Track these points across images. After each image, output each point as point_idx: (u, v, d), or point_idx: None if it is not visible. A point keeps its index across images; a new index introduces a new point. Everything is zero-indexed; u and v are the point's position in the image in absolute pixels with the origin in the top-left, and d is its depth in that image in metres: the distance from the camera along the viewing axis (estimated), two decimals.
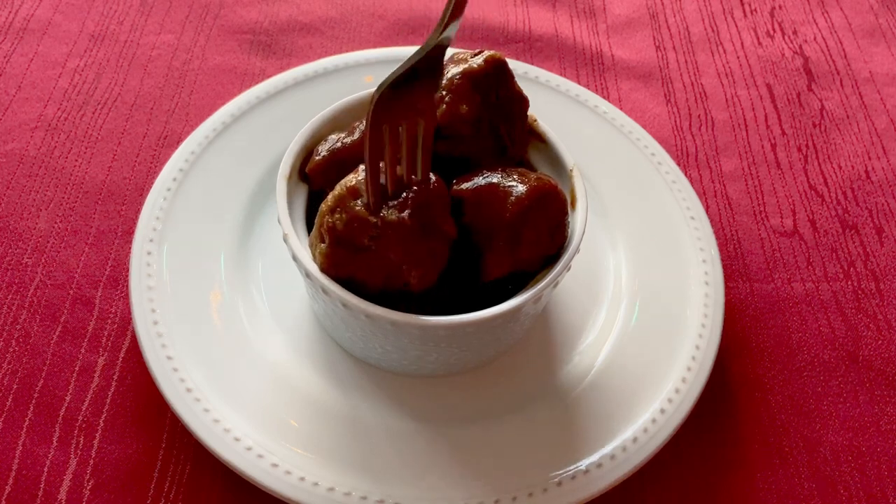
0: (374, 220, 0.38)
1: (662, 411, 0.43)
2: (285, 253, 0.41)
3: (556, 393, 0.45)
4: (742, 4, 0.73)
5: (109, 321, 0.48)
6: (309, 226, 0.42)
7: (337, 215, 0.38)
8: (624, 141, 0.56)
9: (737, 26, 0.71)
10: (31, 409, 0.44)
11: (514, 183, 0.40)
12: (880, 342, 0.51)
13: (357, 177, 0.39)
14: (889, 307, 0.52)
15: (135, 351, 0.47)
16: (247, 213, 0.51)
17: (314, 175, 0.43)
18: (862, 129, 0.63)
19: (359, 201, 0.38)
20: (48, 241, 0.52)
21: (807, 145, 0.62)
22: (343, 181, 0.39)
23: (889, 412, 0.48)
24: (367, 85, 0.55)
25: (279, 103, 0.56)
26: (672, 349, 0.46)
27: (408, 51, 0.60)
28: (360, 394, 0.44)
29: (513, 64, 0.45)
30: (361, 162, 0.40)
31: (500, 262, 0.40)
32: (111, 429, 0.44)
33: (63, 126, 0.58)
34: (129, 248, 0.48)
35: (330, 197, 0.39)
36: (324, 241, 0.39)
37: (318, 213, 0.40)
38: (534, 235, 0.40)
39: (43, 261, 0.51)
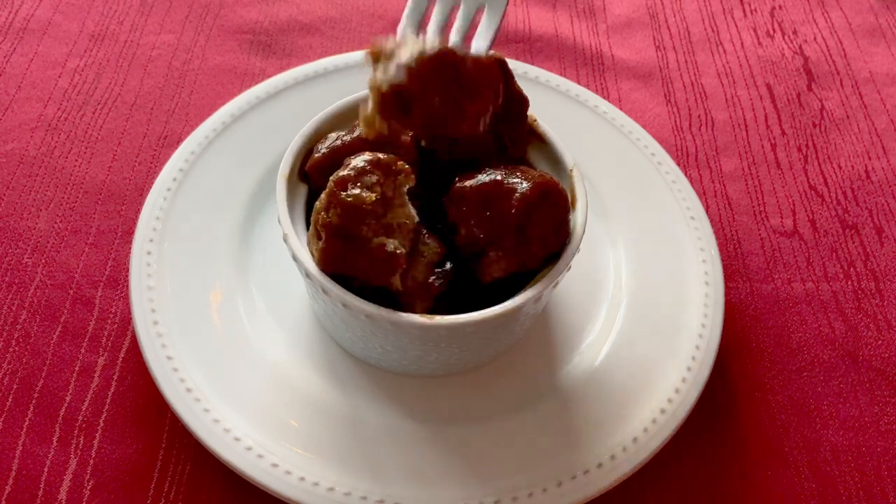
0: (374, 202, 0.38)
1: (662, 411, 0.43)
2: (285, 253, 0.41)
3: (556, 393, 0.45)
4: (742, 4, 0.73)
5: (109, 321, 0.48)
6: (309, 225, 0.42)
7: (332, 210, 0.38)
8: (624, 141, 0.56)
9: (737, 26, 0.71)
10: (31, 409, 0.44)
11: (517, 180, 0.40)
12: (880, 342, 0.51)
13: (346, 171, 0.39)
14: (889, 307, 0.52)
15: (135, 351, 0.47)
16: (247, 213, 0.51)
17: (314, 173, 0.43)
18: (862, 129, 0.63)
19: (352, 189, 0.38)
20: (48, 241, 0.52)
21: (807, 145, 0.62)
22: (332, 177, 0.39)
23: (889, 412, 0.48)
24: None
25: (279, 103, 0.56)
26: (672, 349, 0.46)
27: None
28: (361, 394, 0.44)
29: (513, 64, 0.45)
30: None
31: (506, 260, 0.40)
32: (111, 429, 0.44)
33: (63, 126, 0.58)
34: (129, 248, 0.48)
35: (323, 195, 0.39)
36: (320, 239, 0.39)
37: (314, 211, 0.40)
38: (539, 232, 0.40)
39: (43, 261, 0.51)
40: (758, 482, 0.44)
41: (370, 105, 0.36)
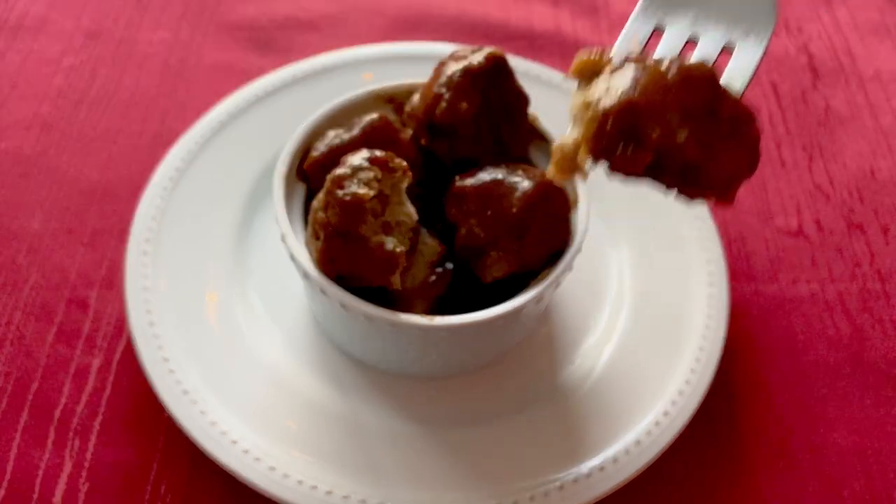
0: (372, 200, 0.37)
1: (666, 414, 0.43)
2: (283, 253, 0.41)
3: (558, 395, 0.44)
4: None
5: (105, 322, 0.48)
6: (307, 225, 0.42)
7: (330, 209, 0.38)
8: None
9: None
10: (26, 411, 0.44)
11: (518, 179, 0.40)
12: (886, 343, 0.50)
13: (343, 169, 0.38)
14: (895, 308, 0.52)
15: (130, 353, 0.46)
16: (244, 212, 0.50)
17: (312, 172, 0.43)
18: (867, 127, 0.62)
19: (349, 187, 0.37)
20: (43, 241, 0.51)
21: (812, 144, 0.61)
22: (330, 175, 0.39)
23: (895, 414, 0.47)
24: (366, 82, 0.54)
25: (277, 101, 0.55)
26: (676, 350, 0.46)
27: (407, 47, 0.60)
28: (359, 396, 0.44)
29: (514, 61, 0.44)
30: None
31: (507, 260, 0.39)
32: (106, 432, 0.43)
33: (58, 124, 0.58)
34: (125, 247, 0.48)
35: (320, 193, 0.39)
36: (318, 238, 0.39)
37: (311, 210, 0.39)
38: (540, 231, 0.39)
39: (37, 261, 0.50)
40: (763, 485, 0.44)
41: (573, 134, 0.25)
